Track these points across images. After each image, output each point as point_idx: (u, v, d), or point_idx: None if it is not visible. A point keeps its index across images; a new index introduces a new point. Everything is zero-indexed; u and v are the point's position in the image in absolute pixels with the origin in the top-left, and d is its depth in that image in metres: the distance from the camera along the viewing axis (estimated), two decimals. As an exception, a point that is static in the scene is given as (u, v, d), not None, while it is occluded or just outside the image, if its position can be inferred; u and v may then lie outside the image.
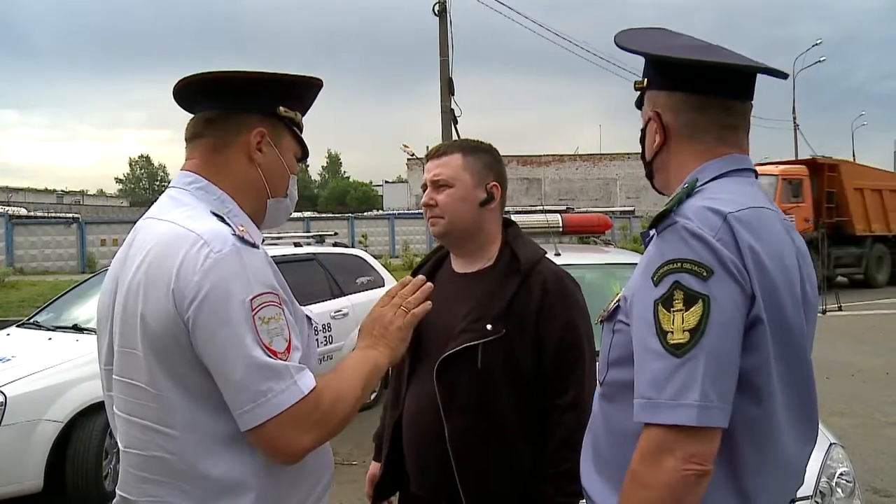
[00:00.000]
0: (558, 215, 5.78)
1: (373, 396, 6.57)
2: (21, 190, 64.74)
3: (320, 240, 8.56)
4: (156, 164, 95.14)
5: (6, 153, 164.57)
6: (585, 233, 6.00)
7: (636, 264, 4.94)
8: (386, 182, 74.31)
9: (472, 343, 1.98)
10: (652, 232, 1.39)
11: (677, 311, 1.25)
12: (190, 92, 1.63)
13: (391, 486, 2.27)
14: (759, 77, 1.48)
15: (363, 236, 28.80)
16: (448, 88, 18.19)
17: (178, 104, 1.67)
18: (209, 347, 1.37)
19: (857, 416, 6.90)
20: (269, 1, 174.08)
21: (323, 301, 7.10)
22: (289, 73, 1.64)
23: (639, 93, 1.59)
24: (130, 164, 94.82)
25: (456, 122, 18.14)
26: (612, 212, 13.82)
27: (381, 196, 69.49)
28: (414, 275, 2.33)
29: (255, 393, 1.36)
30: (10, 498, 4.63)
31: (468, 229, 2.12)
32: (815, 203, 18.20)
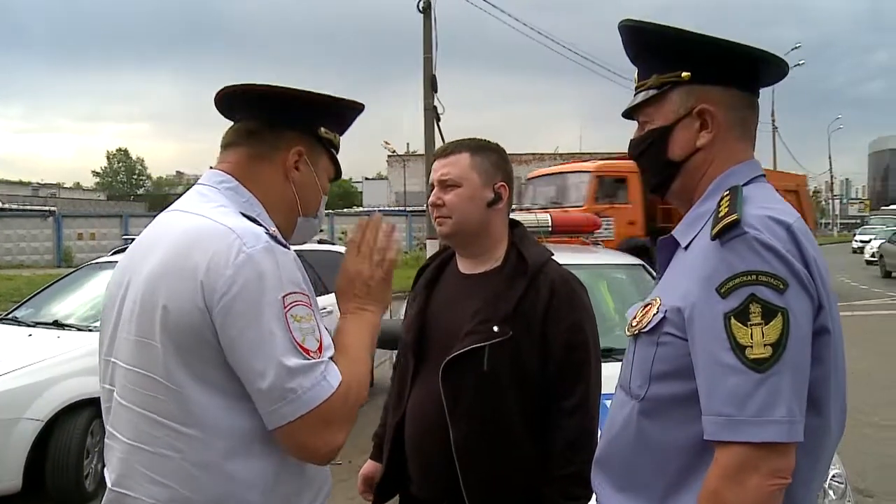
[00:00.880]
0: (548, 215, 5.78)
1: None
2: (-6, 182, 63.75)
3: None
4: (134, 157, 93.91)
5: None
6: (574, 232, 6.00)
7: (627, 265, 4.87)
8: (366, 179, 74.04)
9: (478, 345, 1.95)
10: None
11: (755, 324, 1.21)
12: (233, 100, 1.61)
13: (392, 488, 2.23)
14: None
15: (343, 233, 28.70)
16: (431, 86, 18.10)
17: (219, 110, 1.65)
18: (237, 343, 1.34)
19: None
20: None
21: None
22: (332, 95, 1.62)
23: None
24: (108, 158, 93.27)
25: (438, 120, 18.05)
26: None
27: (361, 193, 69.24)
28: (419, 276, 2.30)
29: (284, 390, 1.33)
30: (-12, 497, 4.54)
31: (475, 229, 2.09)
32: (648, 205, 14.45)
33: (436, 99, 18.05)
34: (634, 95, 1.53)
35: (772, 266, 1.23)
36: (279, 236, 1.45)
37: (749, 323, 1.22)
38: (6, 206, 33.09)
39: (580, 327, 2.01)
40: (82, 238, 25.54)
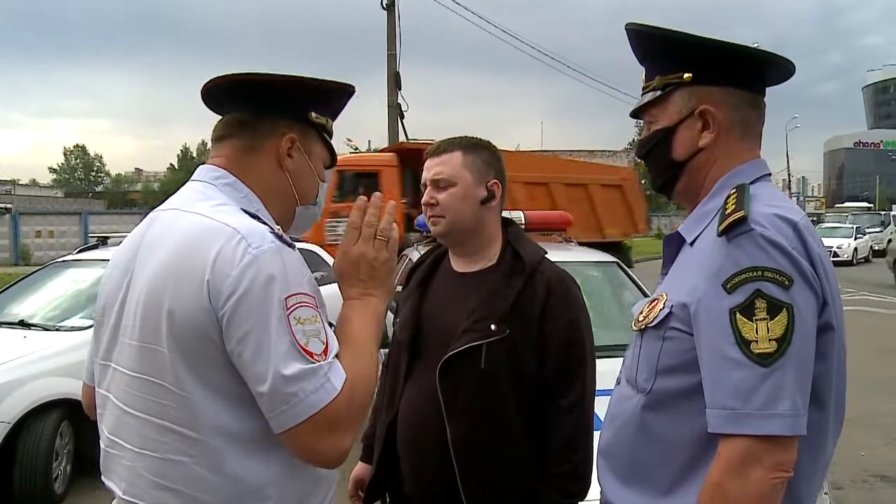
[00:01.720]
0: (521, 212, 5.79)
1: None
2: (-56, 178, 61.94)
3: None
4: (92, 154, 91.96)
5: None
6: (547, 230, 6.03)
7: (601, 262, 4.92)
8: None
9: (476, 343, 1.95)
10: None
11: (760, 319, 1.24)
12: (220, 92, 1.58)
13: (382, 488, 2.22)
14: None
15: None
16: (395, 83, 18.07)
17: (206, 104, 1.62)
18: (243, 345, 1.31)
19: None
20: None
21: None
22: (322, 78, 1.60)
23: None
24: (65, 154, 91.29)
25: (402, 117, 18.02)
26: None
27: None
28: (411, 274, 2.29)
29: (286, 395, 1.30)
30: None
31: (469, 228, 2.09)
32: (415, 201, 11.27)
33: (399, 96, 18.02)
34: (641, 96, 1.55)
35: (777, 262, 1.25)
36: (284, 235, 1.43)
37: (754, 318, 1.24)
38: (-41, 202, 32.27)
39: (577, 325, 2.03)
40: (40, 236, 24.95)
